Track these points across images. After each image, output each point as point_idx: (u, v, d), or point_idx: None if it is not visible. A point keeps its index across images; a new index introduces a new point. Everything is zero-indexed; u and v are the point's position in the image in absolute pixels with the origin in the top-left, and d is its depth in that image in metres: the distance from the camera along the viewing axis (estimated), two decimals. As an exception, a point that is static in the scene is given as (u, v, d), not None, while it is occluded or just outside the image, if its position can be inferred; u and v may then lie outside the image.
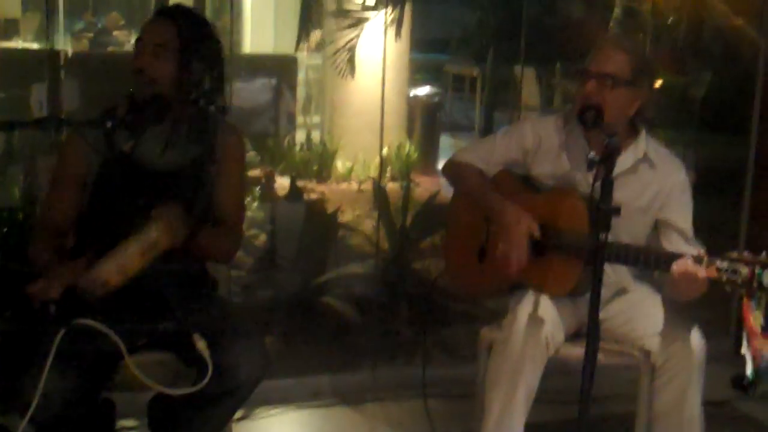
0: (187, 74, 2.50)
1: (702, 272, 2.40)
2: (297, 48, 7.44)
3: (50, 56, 3.75)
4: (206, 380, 2.28)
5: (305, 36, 7.67)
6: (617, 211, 2.23)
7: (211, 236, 2.53)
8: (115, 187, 2.49)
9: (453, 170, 3.00)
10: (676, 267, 2.45)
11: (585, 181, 2.73)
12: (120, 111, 2.47)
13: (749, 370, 3.18)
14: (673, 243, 2.74)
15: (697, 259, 2.43)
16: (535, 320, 2.65)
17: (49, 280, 2.28)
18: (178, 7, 2.62)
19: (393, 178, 7.14)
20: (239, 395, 2.44)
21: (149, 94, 2.46)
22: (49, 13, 3.81)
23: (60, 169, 2.59)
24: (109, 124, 2.42)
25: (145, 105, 2.45)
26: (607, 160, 2.25)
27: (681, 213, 2.80)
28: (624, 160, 2.71)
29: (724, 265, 2.37)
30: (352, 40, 7.06)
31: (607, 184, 2.22)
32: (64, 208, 2.55)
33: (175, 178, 2.51)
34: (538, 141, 2.87)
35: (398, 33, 6.77)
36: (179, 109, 2.53)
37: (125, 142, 2.48)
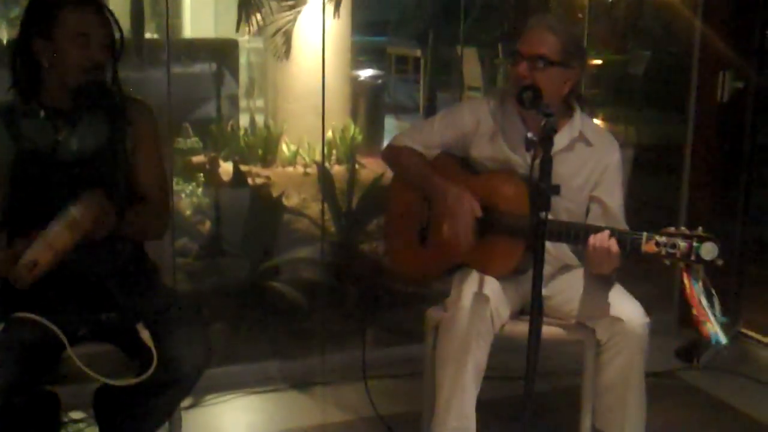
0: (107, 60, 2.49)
1: (614, 247, 2.49)
2: (237, 31, 7.36)
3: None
4: (151, 370, 2.27)
5: (245, 19, 7.59)
6: (556, 189, 2.26)
7: (137, 215, 2.50)
8: (33, 178, 2.44)
9: (392, 154, 3.00)
10: (592, 240, 2.53)
11: (524, 161, 2.76)
12: (53, 100, 2.44)
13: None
14: (598, 220, 2.79)
15: (613, 234, 2.51)
16: (479, 298, 2.68)
17: None
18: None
19: (338, 161, 7.12)
20: (182, 386, 2.43)
21: (94, 83, 2.43)
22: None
23: None
24: (42, 113, 2.39)
25: (86, 94, 2.41)
26: (544, 140, 2.27)
27: (613, 192, 2.85)
28: (560, 139, 2.74)
29: (663, 240, 2.43)
30: (290, 22, 7.01)
31: (546, 164, 2.25)
32: None
33: (94, 163, 2.46)
34: (476, 123, 2.89)
35: (336, 14, 6.73)
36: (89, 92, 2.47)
37: (54, 132, 2.45)
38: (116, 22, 2.51)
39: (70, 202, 2.25)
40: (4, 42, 5.63)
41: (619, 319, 2.68)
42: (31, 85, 2.46)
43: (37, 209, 2.33)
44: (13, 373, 2.24)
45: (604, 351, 2.73)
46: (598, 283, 2.79)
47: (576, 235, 2.61)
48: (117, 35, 2.51)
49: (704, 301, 2.47)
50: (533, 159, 2.30)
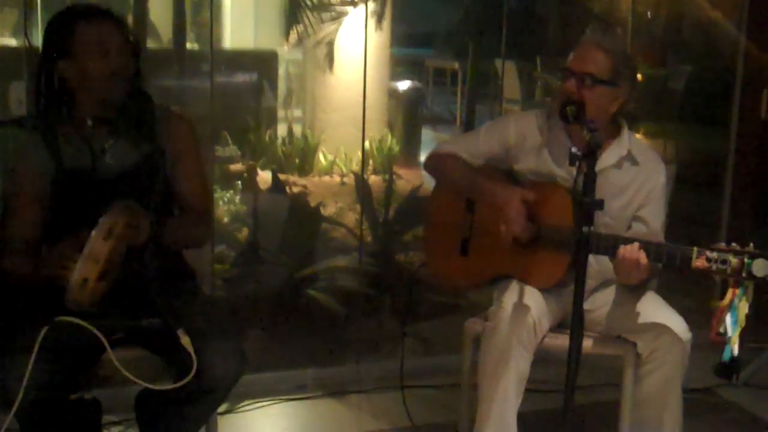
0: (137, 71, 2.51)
1: (643, 259, 2.50)
2: (279, 43, 7.44)
3: (28, 53, 3.71)
4: (191, 375, 2.28)
5: (287, 30, 7.65)
6: (600, 204, 2.25)
7: (179, 226, 2.53)
8: (73, 193, 2.47)
9: (436, 161, 3.01)
10: (622, 250, 2.54)
11: (569, 176, 2.75)
12: (93, 113, 2.47)
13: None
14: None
15: (644, 247, 2.51)
16: (522, 307, 2.67)
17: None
18: (101, 8, 2.54)
19: (375, 171, 7.14)
20: (217, 393, 2.44)
21: (124, 94, 2.46)
22: (27, 10, 3.77)
23: (15, 182, 2.52)
24: (90, 123, 2.43)
25: (115, 105, 2.46)
26: (589, 154, 2.26)
27: (657, 214, 2.85)
28: (607, 156, 2.75)
29: (714, 255, 2.41)
30: (330, 34, 7.06)
31: (590, 178, 2.24)
32: (28, 223, 2.49)
33: (133, 177, 2.49)
34: (521, 137, 2.89)
35: (379, 26, 6.77)
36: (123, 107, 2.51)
37: (91, 148, 2.48)
38: (130, 30, 2.53)
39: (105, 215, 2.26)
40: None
41: (662, 333, 2.67)
42: (64, 103, 2.48)
43: (77, 223, 2.35)
44: (55, 375, 2.27)
45: (644, 364, 2.71)
46: (640, 296, 2.78)
47: (615, 247, 2.59)
48: (133, 42, 2.52)
49: (731, 318, 2.45)
50: (577, 174, 2.30)
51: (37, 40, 3.78)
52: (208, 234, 2.72)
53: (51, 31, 2.47)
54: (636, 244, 2.53)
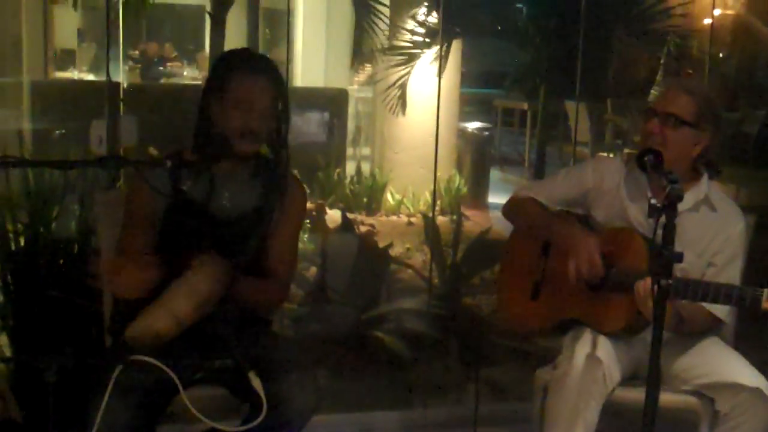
0: (275, 127, 2.57)
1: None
2: (349, 81, 7.51)
3: (110, 88, 3.78)
4: (260, 418, 2.28)
5: (356, 70, 7.72)
6: (679, 257, 2.20)
7: (256, 288, 2.56)
8: (178, 229, 2.50)
9: (514, 205, 3.01)
10: (636, 285, 2.54)
11: (645, 222, 2.73)
12: (191, 155, 2.51)
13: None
14: None
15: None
16: (592, 358, 2.64)
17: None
18: (268, 61, 2.62)
19: (443, 212, 7.14)
20: (291, 429, 2.43)
21: (252, 151, 2.53)
22: (109, 44, 3.85)
23: (130, 212, 2.59)
24: (168, 164, 2.46)
25: (243, 160, 2.54)
26: (669, 207, 2.23)
27: (731, 261, 2.80)
28: (685, 201, 2.69)
29: None
30: (403, 77, 7.11)
31: (670, 230, 2.20)
32: (139, 250, 2.53)
33: (236, 225, 2.53)
34: (599, 181, 2.89)
35: (446, 68, 6.78)
36: (253, 157, 2.58)
37: (211, 188, 2.51)
38: (284, 93, 2.58)
39: (192, 267, 2.30)
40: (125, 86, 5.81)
41: (742, 390, 2.59)
42: (204, 141, 2.53)
43: (176, 256, 2.39)
44: (129, 414, 2.29)
45: (722, 423, 2.63)
46: (718, 350, 2.73)
47: (695, 293, 2.53)
48: (281, 106, 2.58)
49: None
50: (656, 225, 2.26)
51: (117, 76, 3.87)
52: (281, 302, 2.77)
53: (214, 70, 2.59)
54: (649, 280, 2.49)
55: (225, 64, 2.57)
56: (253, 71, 2.53)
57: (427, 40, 7.05)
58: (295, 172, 2.67)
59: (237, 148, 2.50)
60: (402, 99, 7.16)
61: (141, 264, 2.38)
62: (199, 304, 2.30)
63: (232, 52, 2.64)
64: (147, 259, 2.39)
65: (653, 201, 2.25)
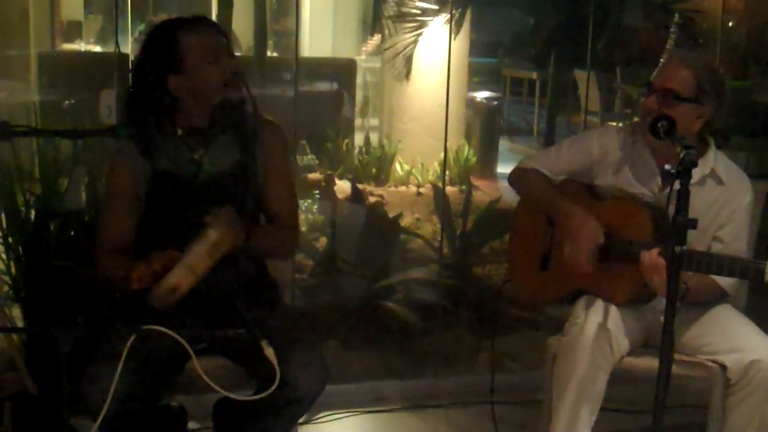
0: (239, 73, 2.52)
1: (662, 265, 2.44)
2: (357, 51, 7.46)
3: (119, 61, 3.76)
4: (274, 387, 2.27)
5: (365, 39, 7.66)
6: (693, 223, 2.18)
7: (268, 235, 2.55)
8: (168, 197, 2.49)
9: (519, 176, 3.01)
10: (641, 257, 2.56)
11: (649, 193, 2.76)
12: (188, 121, 2.49)
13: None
14: None
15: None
16: (600, 327, 2.65)
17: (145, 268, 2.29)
18: (204, 18, 2.58)
19: (452, 182, 7.12)
20: (300, 405, 2.45)
21: (240, 97, 2.49)
22: (118, 16, 3.82)
23: (111, 186, 2.57)
24: (180, 132, 2.44)
25: (226, 111, 2.48)
26: (683, 172, 2.21)
27: (737, 234, 2.79)
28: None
29: None
30: (410, 44, 7.06)
31: (684, 196, 2.18)
32: (122, 226, 2.52)
33: (226, 183, 2.51)
34: (603, 153, 2.88)
35: (455, 36, 6.73)
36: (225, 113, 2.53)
37: (189, 152, 2.50)
38: (227, 34, 2.55)
39: (209, 224, 2.28)
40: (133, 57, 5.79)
41: (755, 358, 2.59)
42: (168, 111, 2.49)
43: (170, 227, 2.38)
44: (143, 383, 2.31)
45: (734, 391, 2.64)
46: (730, 318, 2.72)
47: (706, 265, 2.53)
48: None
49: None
50: (669, 191, 2.25)
51: (126, 47, 3.84)
52: (295, 245, 2.74)
53: (155, 42, 2.48)
54: (655, 251, 2.52)
55: (167, 32, 2.47)
56: (196, 26, 2.47)
57: (436, 7, 6.98)
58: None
59: (226, 97, 2.46)
60: (408, 68, 7.12)
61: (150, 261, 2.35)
62: (217, 257, 2.29)
63: (163, 23, 2.52)
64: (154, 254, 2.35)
65: (667, 167, 2.24)
